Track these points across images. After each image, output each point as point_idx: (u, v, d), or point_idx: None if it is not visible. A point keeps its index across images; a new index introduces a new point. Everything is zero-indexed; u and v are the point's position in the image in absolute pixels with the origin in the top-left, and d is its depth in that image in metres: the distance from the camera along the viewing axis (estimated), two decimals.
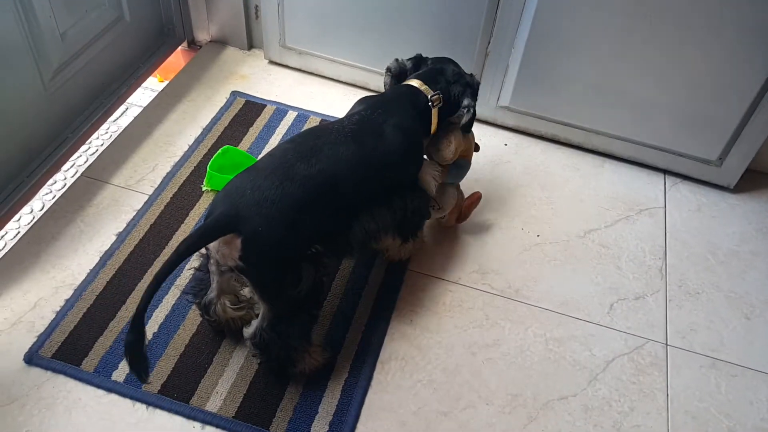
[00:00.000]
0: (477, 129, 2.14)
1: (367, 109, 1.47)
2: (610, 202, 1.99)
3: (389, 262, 1.73)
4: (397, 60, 1.65)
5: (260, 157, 1.89)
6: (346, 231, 1.40)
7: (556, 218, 1.92)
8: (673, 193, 2.05)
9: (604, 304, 1.72)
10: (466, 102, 1.59)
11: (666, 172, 2.11)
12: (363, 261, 1.72)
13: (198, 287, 1.47)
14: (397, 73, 1.64)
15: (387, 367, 1.53)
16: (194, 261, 1.65)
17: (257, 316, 1.40)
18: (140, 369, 1.20)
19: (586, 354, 1.61)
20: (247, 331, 1.40)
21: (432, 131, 1.58)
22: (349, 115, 1.46)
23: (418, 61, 1.67)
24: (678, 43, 1.81)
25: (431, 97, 1.53)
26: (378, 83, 2.23)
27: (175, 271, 1.62)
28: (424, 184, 1.56)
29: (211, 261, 1.34)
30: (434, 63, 1.65)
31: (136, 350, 1.18)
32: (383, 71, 2.15)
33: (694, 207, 2.01)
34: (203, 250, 1.42)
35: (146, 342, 1.17)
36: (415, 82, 1.56)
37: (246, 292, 1.49)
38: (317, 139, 1.37)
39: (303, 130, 1.48)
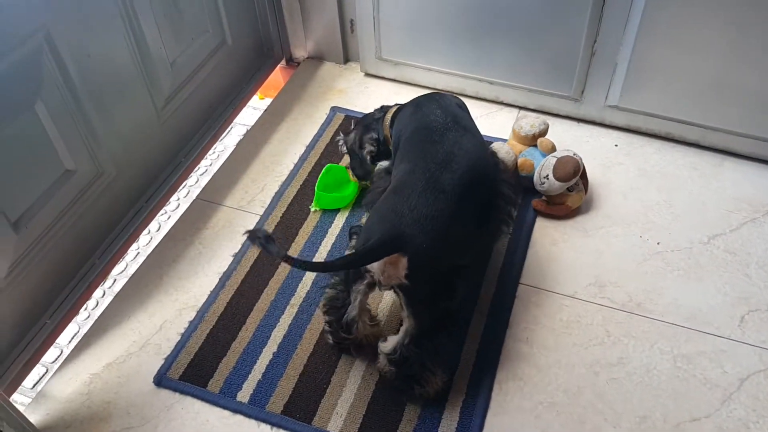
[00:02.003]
0: (584, 130, 2.09)
1: (424, 102, 1.55)
2: (734, 204, 1.86)
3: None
4: (370, 141, 1.70)
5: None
6: (489, 216, 1.49)
7: (676, 223, 1.81)
8: None
9: (735, 317, 1.61)
10: None
11: None
12: (472, 276, 1.70)
13: (333, 305, 1.49)
14: (378, 145, 1.71)
15: (505, 388, 1.49)
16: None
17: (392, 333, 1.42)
18: (254, 239, 1.18)
19: (718, 371, 1.51)
20: (385, 346, 1.42)
21: None
22: (430, 112, 1.50)
23: (359, 126, 1.76)
24: None
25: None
26: (475, 89, 2.19)
27: (289, 290, 1.69)
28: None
29: (365, 282, 1.36)
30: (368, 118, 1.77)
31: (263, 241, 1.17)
32: (481, 77, 2.14)
33: None
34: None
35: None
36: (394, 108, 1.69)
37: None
38: (439, 143, 1.40)
39: (411, 138, 1.50)
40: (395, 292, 1.35)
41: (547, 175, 1.76)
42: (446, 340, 1.41)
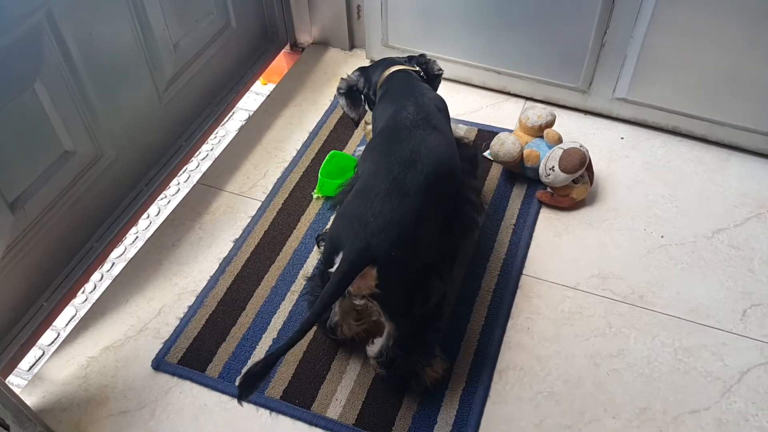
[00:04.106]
0: (591, 122, 2.07)
1: (403, 95, 1.51)
2: (739, 199, 1.85)
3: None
4: (342, 78, 1.70)
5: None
6: (454, 223, 1.45)
7: (680, 217, 1.80)
8: None
9: (737, 311, 1.60)
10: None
11: None
12: (474, 267, 1.69)
13: None
14: (347, 90, 1.69)
15: (505, 378, 1.48)
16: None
17: (379, 331, 1.39)
18: (246, 391, 1.16)
19: (719, 364, 1.50)
20: (372, 350, 1.40)
21: None
22: (403, 109, 1.46)
23: (364, 69, 1.72)
24: None
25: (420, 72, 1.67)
26: (482, 78, 2.17)
27: (290, 277, 1.68)
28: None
29: None
30: (379, 63, 1.71)
31: (255, 380, 1.15)
32: (488, 66, 2.12)
33: None
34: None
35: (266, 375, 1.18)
36: (399, 67, 1.64)
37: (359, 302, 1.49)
38: (406, 141, 1.36)
39: (378, 137, 1.47)
40: (368, 301, 1.30)
41: (553, 167, 1.75)
42: (432, 336, 1.38)
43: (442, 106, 1.54)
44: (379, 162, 1.34)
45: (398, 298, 1.28)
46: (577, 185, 1.79)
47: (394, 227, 1.21)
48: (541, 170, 1.81)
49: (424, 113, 1.44)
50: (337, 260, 1.21)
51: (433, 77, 1.71)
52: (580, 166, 1.74)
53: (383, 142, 1.41)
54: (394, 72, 1.62)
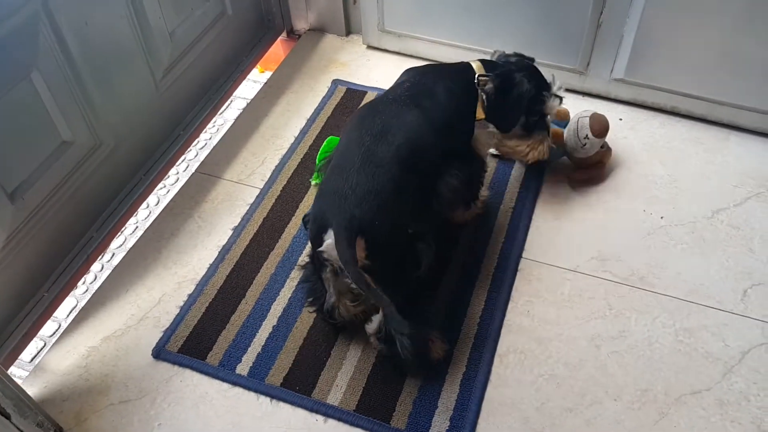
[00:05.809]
0: (588, 103, 2.06)
1: (416, 75, 1.50)
2: (738, 179, 1.84)
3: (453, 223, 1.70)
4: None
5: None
6: (431, 198, 1.44)
7: (680, 198, 1.79)
8: None
9: (737, 291, 1.59)
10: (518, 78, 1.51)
11: None
12: (473, 251, 1.68)
13: (313, 296, 1.48)
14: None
15: (506, 361, 1.48)
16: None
17: (377, 310, 1.39)
18: None
19: (720, 345, 1.50)
20: (370, 327, 1.40)
21: (477, 116, 1.52)
22: (399, 83, 1.47)
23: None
24: None
25: (479, 75, 1.50)
26: None
27: (289, 264, 1.68)
28: (479, 150, 1.57)
29: (328, 269, 1.34)
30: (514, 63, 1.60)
31: None
32: (487, 50, 2.11)
33: None
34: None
35: None
36: (473, 63, 1.55)
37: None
38: (379, 114, 1.37)
39: (359, 110, 1.48)
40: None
41: (587, 135, 1.74)
42: (427, 305, 1.42)
43: (453, 89, 1.46)
44: (350, 136, 1.36)
45: (388, 266, 1.29)
46: (604, 149, 1.80)
47: (373, 197, 1.24)
48: (573, 145, 1.78)
49: (416, 92, 1.41)
50: (326, 238, 1.23)
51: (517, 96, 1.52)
52: (607, 126, 1.76)
53: (358, 116, 1.42)
54: (462, 62, 1.56)
